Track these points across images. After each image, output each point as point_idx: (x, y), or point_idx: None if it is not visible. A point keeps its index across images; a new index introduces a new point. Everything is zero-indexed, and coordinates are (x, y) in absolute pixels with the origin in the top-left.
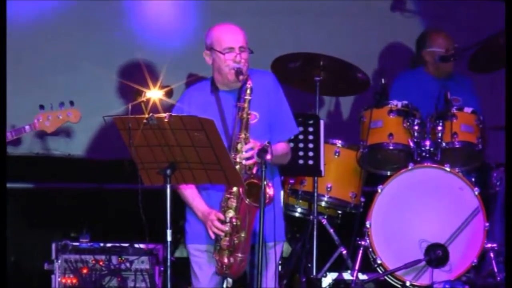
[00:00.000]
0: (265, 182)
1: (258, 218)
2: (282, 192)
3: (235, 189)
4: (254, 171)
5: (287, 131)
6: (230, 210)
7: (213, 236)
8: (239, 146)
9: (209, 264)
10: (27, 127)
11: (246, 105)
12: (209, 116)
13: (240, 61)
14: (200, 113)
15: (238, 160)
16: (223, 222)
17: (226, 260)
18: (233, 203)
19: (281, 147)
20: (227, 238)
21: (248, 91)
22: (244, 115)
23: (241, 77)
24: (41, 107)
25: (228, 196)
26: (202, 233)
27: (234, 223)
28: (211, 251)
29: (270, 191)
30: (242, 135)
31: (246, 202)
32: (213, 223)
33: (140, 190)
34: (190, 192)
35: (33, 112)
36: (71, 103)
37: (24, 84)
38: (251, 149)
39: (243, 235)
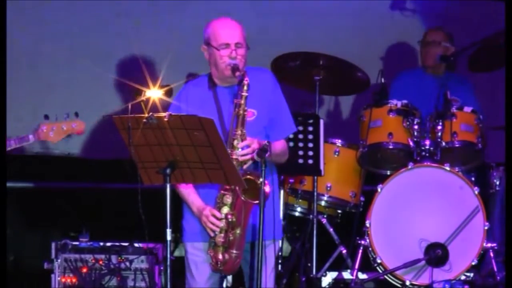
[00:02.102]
0: (260, 179)
1: (254, 215)
2: (282, 192)
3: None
4: (245, 167)
5: (286, 130)
6: (226, 207)
7: (211, 234)
8: (235, 142)
9: (207, 264)
10: (30, 136)
11: (242, 101)
12: (206, 111)
13: (236, 57)
14: (198, 108)
15: (234, 156)
16: (218, 218)
17: (221, 257)
18: (228, 199)
19: (279, 145)
20: (222, 235)
21: (245, 88)
22: (241, 112)
23: (237, 73)
24: (46, 117)
25: (224, 192)
26: (199, 230)
27: (230, 220)
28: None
29: (266, 188)
30: (239, 132)
31: (242, 198)
32: (208, 219)
33: (139, 190)
34: (185, 188)
35: (34, 111)
36: (76, 114)
37: (24, 84)
38: (247, 146)
39: (238, 231)
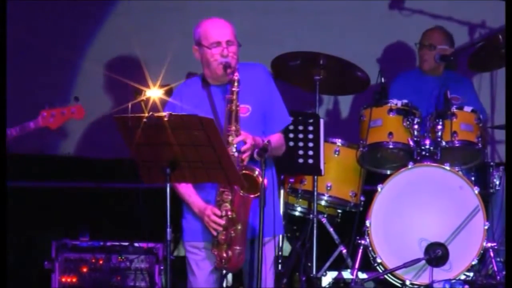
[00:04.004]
0: (256, 173)
1: (254, 212)
2: (282, 191)
3: None
4: (245, 163)
5: (280, 122)
6: (226, 204)
7: (214, 233)
8: (230, 138)
9: (207, 261)
10: (31, 123)
11: (234, 97)
12: (201, 111)
13: (227, 54)
14: (193, 108)
15: (230, 152)
16: (219, 216)
17: (224, 254)
18: (228, 196)
19: (275, 139)
20: (224, 232)
21: (236, 83)
22: (233, 107)
23: (229, 71)
24: (46, 103)
25: (223, 190)
26: (199, 229)
27: (230, 216)
28: (208, 248)
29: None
30: (233, 128)
31: (240, 194)
32: (210, 218)
33: (140, 189)
34: (185, 189)
35: (33, 112)
36: (76, 99)
37: (24, 84)
38: (243, 141)
39: (239, 227)
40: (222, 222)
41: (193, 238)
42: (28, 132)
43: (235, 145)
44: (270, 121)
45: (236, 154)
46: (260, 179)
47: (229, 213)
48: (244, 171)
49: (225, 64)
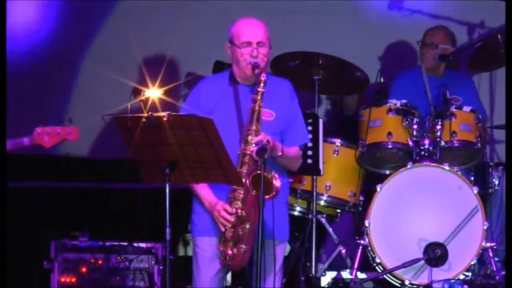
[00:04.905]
0: (271, 174)
1: (265, 212)
2: None
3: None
4: (259, 162)
5: (299, 138)
6: (237, 202)
7: (222, 228)
8: (249, 137)
9: (216, 260)
10: (25, 139)
11: (258, 97)
12: (225, 107)
13: (257, 55)
14: (216, 103)
15: (248, 152)
16: (230, 213)
17: (230, 251)
18: (240, 194)
19: (293, 150)
20: (232, 229)
21: (262, 84)
22: (256, 107)
23: (257, 71)
24: (41, 121)
25: (236, 187)
26: (210, 225)
27: (240, 214)
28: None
29: (276, 183)
30: (253, 127)
31: (253, 193)
32: (220, 214)
33: (139, 189)
34: None
35: (33, 112)
36: (70, 120)
37: (24, 84)
38: (261, 141)
39: (247, 226)
40: (232, 219)
41: (203, 233)
42: (22, 147)
43: (253, 144)
44: (289, 134)
45: (254, 154)
46: (274, 181)
47: (239, 211)
48: (258, 171)
49: (253, 64)
